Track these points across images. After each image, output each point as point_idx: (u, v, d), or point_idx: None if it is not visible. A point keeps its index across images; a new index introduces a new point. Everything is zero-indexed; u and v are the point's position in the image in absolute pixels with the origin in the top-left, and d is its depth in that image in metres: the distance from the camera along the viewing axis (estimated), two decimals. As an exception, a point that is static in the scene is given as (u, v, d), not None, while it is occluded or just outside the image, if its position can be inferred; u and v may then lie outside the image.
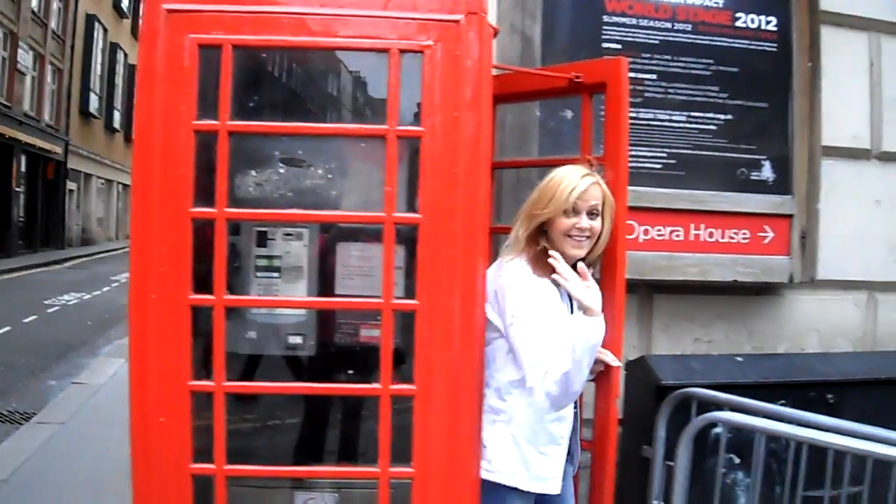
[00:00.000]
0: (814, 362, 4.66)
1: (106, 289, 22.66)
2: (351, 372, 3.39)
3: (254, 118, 3.08)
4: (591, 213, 3.19)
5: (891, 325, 5.43)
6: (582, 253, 3.20)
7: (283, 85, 3.48)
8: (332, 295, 3.38)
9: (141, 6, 2.98)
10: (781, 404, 4.07)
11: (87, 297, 20.77)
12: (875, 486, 3.81)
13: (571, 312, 3.19)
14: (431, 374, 2.88)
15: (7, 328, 14.78)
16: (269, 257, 3.38)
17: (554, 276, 3.10)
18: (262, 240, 3.36)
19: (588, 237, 3.19)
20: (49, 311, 17.72)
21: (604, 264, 3.41)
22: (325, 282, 3.40)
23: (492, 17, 4.22)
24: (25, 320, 15.86)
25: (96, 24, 41.16)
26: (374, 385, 2.94)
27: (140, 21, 3.00)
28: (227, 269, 3.02)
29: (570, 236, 3.17)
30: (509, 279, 3.14)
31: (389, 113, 2.88)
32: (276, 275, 3.38)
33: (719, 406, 3.98)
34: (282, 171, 3.35)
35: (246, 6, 2.91)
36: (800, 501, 4.08)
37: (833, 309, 5.32)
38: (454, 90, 2.89)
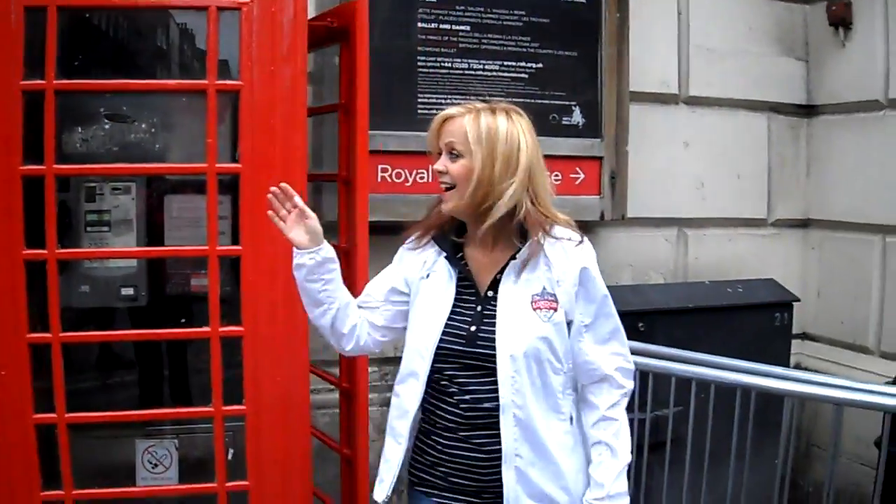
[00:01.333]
0: (626, 293, 4.87)
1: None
2: (183, 321, 3.50)
3: (81, 76, 3.17)
4: (451, 153, 2.60)
5: (701, 257, 5.77)
6: (449, 205, 2.62)
7: (110, 43, 3.57)
8: (162, 246, 3.54)
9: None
10: None
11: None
12: (683, 406, 4.06)
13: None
14: (257, 315, 3.05)
15: None
16: (99, 212, 3.49)
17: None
18: (91, 195, 3.47)
19: (450, 184, 2.60)
20: None
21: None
22: (154, 234, 3.54)
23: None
24: None
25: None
26: (205, 328, 3.11)
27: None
28: (59, 224, 3.15)
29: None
30: None
31: (209, 68, 3.04)
32: (105, 229, 3.50)
33: None
34: (107, 126, 3.46)
35: (72, -32, 3.01)
36: None
37: (645, 244, 5.62)
38: (270, 45, 3.09)
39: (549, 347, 2.55)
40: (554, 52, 5.02)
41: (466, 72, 4.85)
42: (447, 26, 4.78)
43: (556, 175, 4.97)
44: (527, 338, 2.53)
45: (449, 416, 2.60)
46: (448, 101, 4.67)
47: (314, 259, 2.58)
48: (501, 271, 2.61)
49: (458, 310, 2.62)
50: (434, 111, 4.49)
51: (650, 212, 5.57)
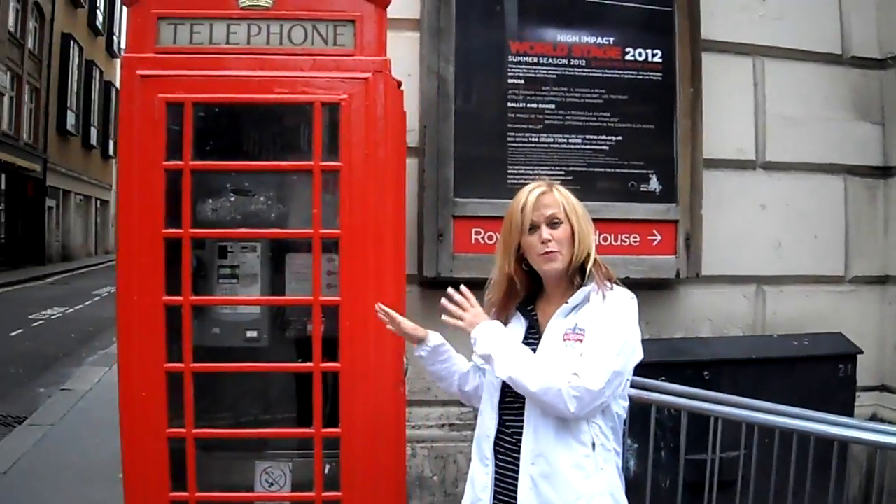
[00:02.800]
0: (694, 345, 5.28)
1: (88, 303, 23.05)
2: (300, 360, 4.06)
3: (210, 158, 3.92)
4: (552, 223, 3.01)
5: (779, 312, 6.03)
6: (559, 265, 3.02)
7: (233, 130, 4.28)
8: (283, 296, 4.19)
9: (119, 72, 3.84)
10: (661, 380, 4.61)
11: (70, 311, 21.11)
12: (749, 449, 4.24)
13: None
14: (353, 354, 3.66)
15: (-6, 341, 15.36)
16: (230, 266, 4.17)
17: (444, 319, 3.09)
18: (224, 252, 4.16)
19: (558, 248, 3.00)
20: (34, 325, 18.14)
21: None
22: (276, 285, 4.19)
23: (412, 61, 5.06)
24: (12, 334, 16.33)
25: (72, 42, 41.28)
26: (308, 364, 3.77)
27: (119, 80, 3.85)
28: (196, 277, 3.88)
29: (540, 255, 3.03)
30: None
31: (315, 151, 3.72)
32: (234, 281, 4.17)
33: None
34: (232, 199, 4.20)
35: (202, 71, 3.76)
36: (683, 464, 4.53)
37: (723, 300, 5.92)
38: (366, 132, 3.74)
39: None
40: (632, 126, 5.44)
41: (552, 145, 5.33)
42: (534, 105, 5.31)
43: (635, 237, 5.39)
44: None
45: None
46: (536, 171, 5.19)
47: (426, 350, 3.23)
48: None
49: None
50: (522, 181, 5.09)
51: (728, 270, 5.87)
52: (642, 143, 5.49)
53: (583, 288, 3.01)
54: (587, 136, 5.39)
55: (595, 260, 3.04)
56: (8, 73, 33.77)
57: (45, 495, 6.81)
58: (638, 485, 4.64)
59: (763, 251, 6.04)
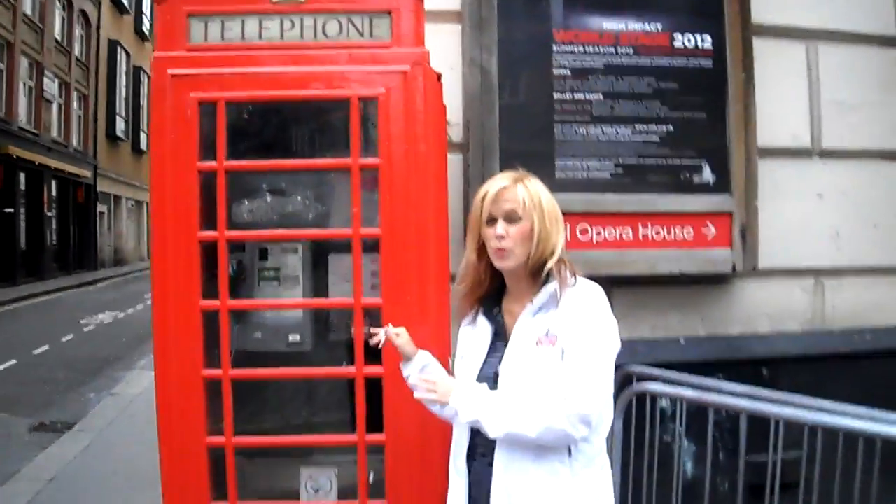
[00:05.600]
0: (752, 342, 5.11)
1: (139, 307, 23.28)
2: (345, 363, 3.95)
3: (245, 157, 3.80)
4: (509, 218, 2.91)
5: (838, 305, 5.81)
6: (510, 263, 2.94)
7: (268, 128, 4.17)
8: (325, 298, 4.08)
9: (150, 72, 3.73)
10: (718, 379, 4.54)
11: (121, 315, 21.42)
12: (811, 451, 4.02)
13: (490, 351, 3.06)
14: (395, 358, 3.49)
15: (46, 347, 15.49)
16: (271, 269, 4.08)
17: (416, 396, 3.03)
18: (265, 255, 4.07)
19: (511, 245, 2.92)
20: (85, 329, 18.43)
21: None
22: (319, 287, 4.08)
23: (454, 54, 4.92)
24: (63, 339, 16.56)
25: (119, 49, 41.94)
26: (350, 368, 3.64)
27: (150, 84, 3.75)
28: (237, 280, 3.80)
29: (493, 249, 2.96)
30: None
31: (353, 148, 3.58)
32: (276, 283, 4.08)
33: (655, 380, 4.47)
34: (269, 199, 4.09)
35: (235, 68, 3.64)
36: (742, 465, 4.36)
37: (781, 294, 5.72)
38: (405, 127, 3.60)
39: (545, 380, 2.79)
40: (682, 115, 5.27)
41: (600, 137, 5.16)
42: (581, 96, 5.14)
43: (689, 230, 5.21)
44: (525, 372, 2.86)
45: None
46: (584, 164, 5.11)
47: (412, 371, 3.19)
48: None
49: (490, 357, 3.04)
50: (571, 175, 4.99)
51: (785, 262, 5.68)
52: (694, 133, 5.32)
53: (546, 287, 2.94)
54: (637, 127, 5.22)
55: (559, 259, 2.94)
56: (56, 80, 34.20)
57: (91, 502, 6.77)
58: (696, 488, 4.57)
59: (821, 242, 5.84)
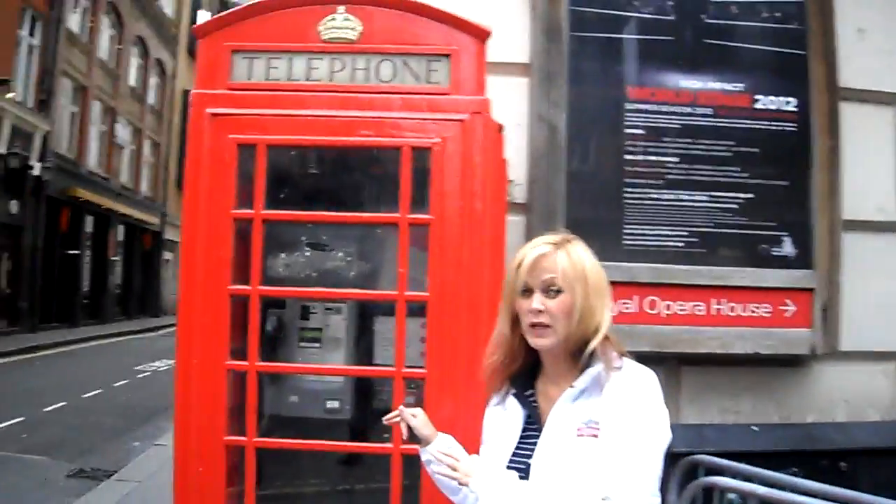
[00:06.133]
0: (829, 431, 4.74)
1: (195, 355, 23.09)
2: (386, 435, 3.53)
3: (284, 207, 3.52)
4: (548, 290, 2.49)
5: None
6: (547, 342, 2.52)
7: (311, 176, 3.91)
8: (371, 364, 3.74)
9: (188, 110, 3.46)
10: (792, 473, 4.14)
11: (177, 363, 21.34)
12: None
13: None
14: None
15: (98, 391, 15.33)
16: (312, 329, 3.76)
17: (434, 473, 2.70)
18: (306, 314, 3.75)
19: (549, 322, 2.49)
20: (139, 376, 18.26)
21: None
22: (363, 351, 3.76)
23: (520, 108, 4.63)
24: (116, 384, 16.40)
25: (192, 98, 42.49)
26: (387, 445, 3.31)
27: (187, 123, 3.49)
28: (274, 338, 3.50)
29: (528, 325, 2.54)
30: None
31: (402, 202, 3.28)
32: (317, 345, 3.75)
33: (723, 472, 4.05)
34: (307, 253, 3.77)
35: (278, 109, 3.36)
36: None
37: (861, 379, 5.36)
38: (461, 182, 3.29)
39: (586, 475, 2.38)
40: (763, 182, 4.97)
41: (673, 203, 4.86)
42: (654, 157, 4.85)
43: (766, 307, 4.88)
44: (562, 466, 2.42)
45: None
46: (655, 231, 4.78)
47: (431, 453, 2.69)
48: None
49: (522, 446, 2.57)
50: (640, 243, 4.65)
51: (867, 345, 5.32)
52: (775, 202, 5.00)
53: (589, 369, 2.49)
54: (713, 193, 4.91)
55: (605, 336, 2.49)
56: (128, 126, 34.66)
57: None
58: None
59: (905, 324, 5.46)
